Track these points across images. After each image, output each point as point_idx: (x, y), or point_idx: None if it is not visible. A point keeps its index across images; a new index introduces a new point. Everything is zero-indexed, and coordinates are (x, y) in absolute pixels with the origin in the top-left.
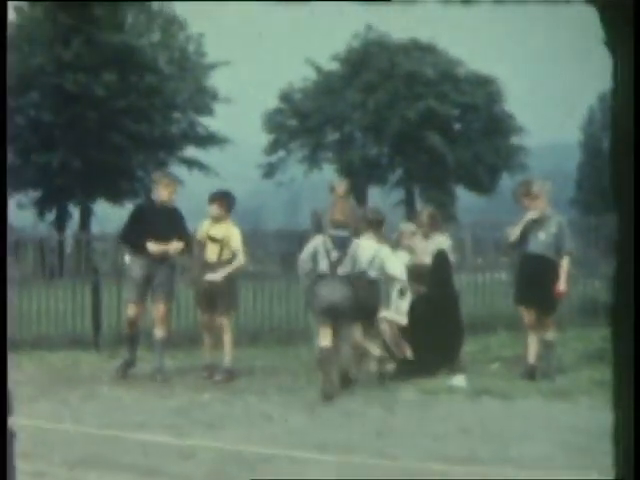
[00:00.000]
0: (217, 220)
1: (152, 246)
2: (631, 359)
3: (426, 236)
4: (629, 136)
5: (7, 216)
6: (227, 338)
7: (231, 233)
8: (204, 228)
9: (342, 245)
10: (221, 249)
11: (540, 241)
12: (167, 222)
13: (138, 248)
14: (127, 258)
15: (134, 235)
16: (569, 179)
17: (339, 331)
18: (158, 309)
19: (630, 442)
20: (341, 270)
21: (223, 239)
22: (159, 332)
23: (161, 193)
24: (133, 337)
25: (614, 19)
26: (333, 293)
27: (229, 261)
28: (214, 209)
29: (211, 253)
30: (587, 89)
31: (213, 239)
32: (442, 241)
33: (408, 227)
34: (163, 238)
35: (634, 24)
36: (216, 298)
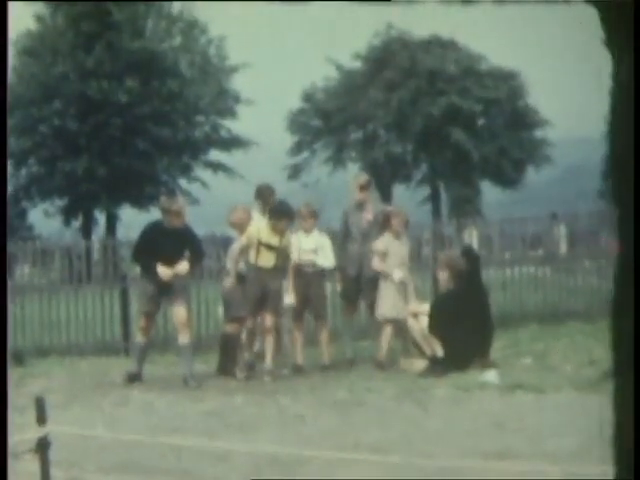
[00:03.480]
0: (279, 232)
1: (161, 271)
2: (631, 359)
3: (307, 231)
4: (629, 137)
5: (7, 218)
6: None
7: (290, 242)
8: (255, 234)
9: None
10: (277, 256)
11: None
12: (177, 243)
13: (148, 268)
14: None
15: (144, 255)
16: (595, 171)
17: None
18: (179, 315)
19: (630, 442)
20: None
21: (280, 247)
22: (184, 338)
23: (172, 220)
24: (143, 348)
25: (614, 19)
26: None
27: (283, 267)
28: (282, 224)
29: (266, 260)
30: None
31: (269, 247)
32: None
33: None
34: (172, 259)
35: (634, 24)
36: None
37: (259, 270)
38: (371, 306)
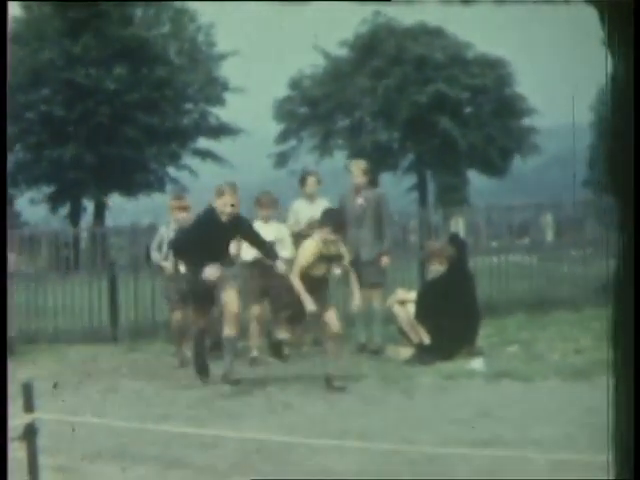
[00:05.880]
0: (330, 242)
1: (209, 272)
2: (631, 360)
3: (266, 221)
4: (629, 135)
5: (6, 217)
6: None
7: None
8: (314, 250)
9: None
10: (329, 266)
11: None
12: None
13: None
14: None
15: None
16: (582, 160)
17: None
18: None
19: (630, 442)
20: None
21: (334, 256)
22: (230, 330)
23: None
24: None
25: (614, 19)
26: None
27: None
28: (333, 236)
29: (320, 270)
30: (596, 70)
31: (325, 257)
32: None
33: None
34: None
35: (634, 24)
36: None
37: (315, 280)
38: (372, 289)
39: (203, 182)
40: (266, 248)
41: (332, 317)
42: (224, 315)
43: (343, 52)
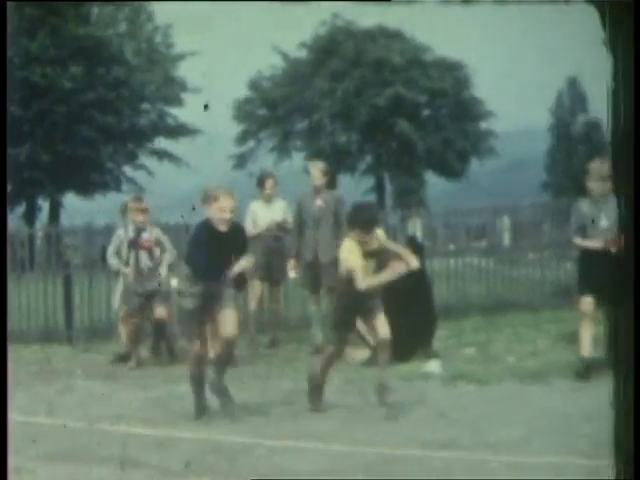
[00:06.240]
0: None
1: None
2: (631, 362)
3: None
4: (630, 135)
5: (7, 217)
6: None
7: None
8: (356, 250)
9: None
10: (378, 262)
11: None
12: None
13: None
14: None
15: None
16: (539, 163)
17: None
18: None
19: (630, 442)
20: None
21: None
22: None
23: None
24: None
25: (614, 19)
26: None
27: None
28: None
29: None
30: (556, 73)
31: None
32: None
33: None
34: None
35: (634, 24)
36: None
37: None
38: (331, 292)
39: (160, 183)
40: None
41: (382, 322)
42: (218, 339)
43: (302, 54)
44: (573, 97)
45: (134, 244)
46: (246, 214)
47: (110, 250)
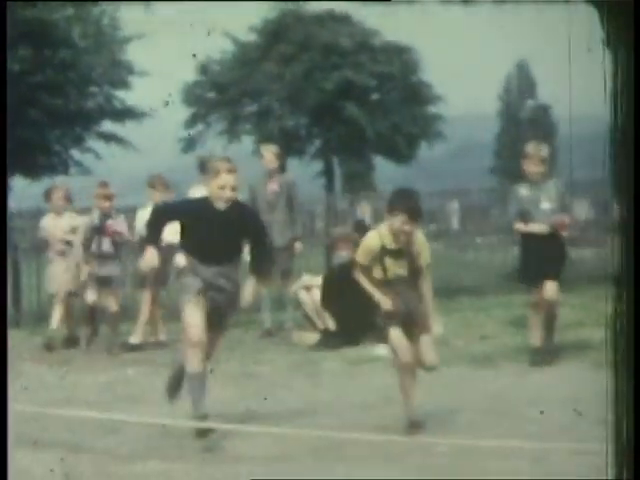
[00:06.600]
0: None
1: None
2: (631, 364)
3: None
4: (629, 135)
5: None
6: None
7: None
8: (373, 243)
9: None
10: (410, 262)
11: (543, 212)
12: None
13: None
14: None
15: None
16: (488, 148)
17: None
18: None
19: (630, 442)
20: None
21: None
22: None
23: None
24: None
25: (614, 19)
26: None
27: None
28: (407, 223)
29: (397, 269)
30: (504, 57)
31: (393, 252)
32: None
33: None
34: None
35: (634, 24)
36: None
37: (391, 284)
38: (283, 276)
39: (108, 166)
40: (267, 262)
41: (427, 344)
42: (185, 342)
43: (251, 38)
44: (521, 82)
45: (99, 231)
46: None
47: (78, 241)
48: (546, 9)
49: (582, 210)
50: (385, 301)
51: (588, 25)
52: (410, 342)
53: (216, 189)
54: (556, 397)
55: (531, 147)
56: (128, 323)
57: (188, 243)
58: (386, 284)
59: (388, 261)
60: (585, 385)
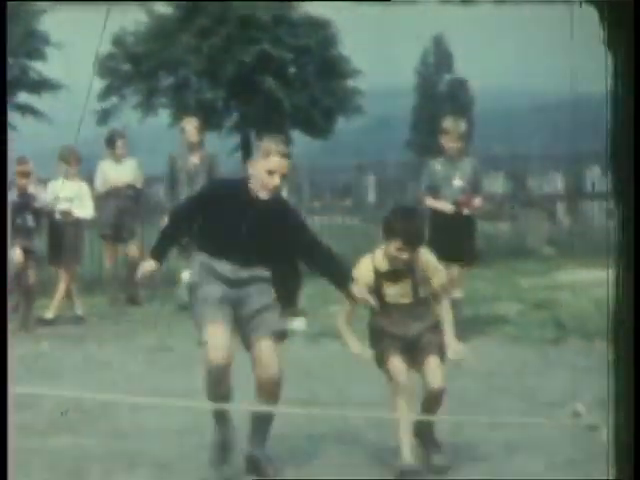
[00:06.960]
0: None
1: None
2: (631, 365)
3: (70, 178)
4: (629, 135)
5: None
6: None
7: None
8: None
9: None
10: (413, 285)
11: (455, 189)
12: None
13: None
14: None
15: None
16: (404, 122)
17: None
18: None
19: (630, 442)
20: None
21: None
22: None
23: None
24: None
25: (614, 19)
26: None
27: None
28: (406, 247)
29: (399, 294)
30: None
31: (390, 276)
32: None
33: None
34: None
35: (634, 24)
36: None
37: (390, 309)
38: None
39: (23, 138)
40: (336, 269)
41: (433, 366)
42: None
43: (168, 10)
44: (438, 56)
45: (19, 207)
46: (96, 172)
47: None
48: (546, 9)
49: (498, 184)
50: (355, 347)
51: (588, 25)
52: (413, 368)
53: (263, 173)
54: (468, 371)
55: (449, 122)
56: (43, 299)
57: (209, 238)
58: (385, 309)
59: (386, 285)
60: (500, 359)
